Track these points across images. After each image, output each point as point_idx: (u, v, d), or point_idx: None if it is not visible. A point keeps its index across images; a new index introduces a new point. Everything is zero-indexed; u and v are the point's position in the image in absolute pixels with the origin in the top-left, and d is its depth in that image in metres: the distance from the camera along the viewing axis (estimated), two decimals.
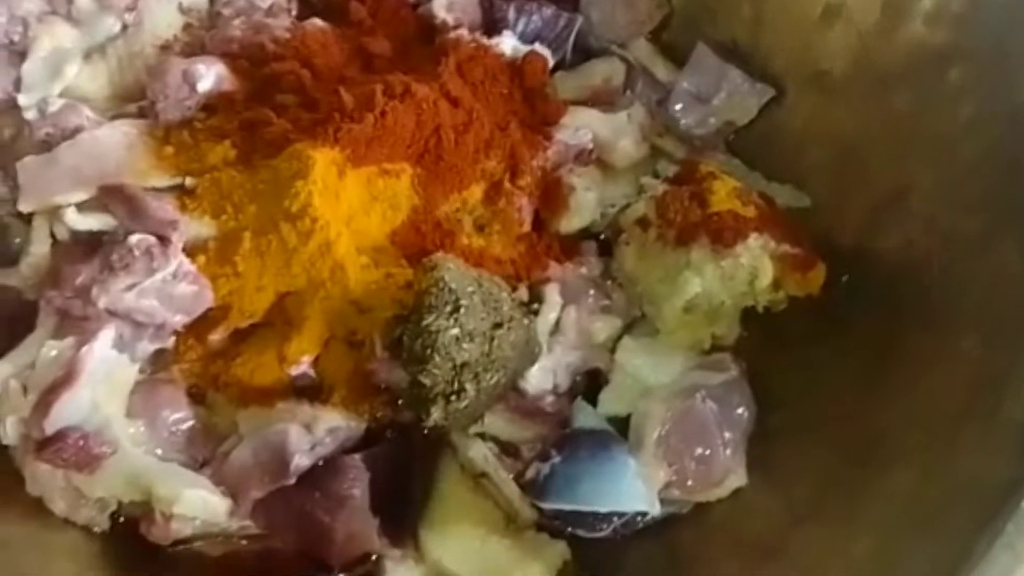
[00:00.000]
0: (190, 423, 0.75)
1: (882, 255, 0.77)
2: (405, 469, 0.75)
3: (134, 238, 0.73)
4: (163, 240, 0.73)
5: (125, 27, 0.85)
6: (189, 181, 0.77)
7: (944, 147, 0.74)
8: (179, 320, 0.74)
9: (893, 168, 0.78)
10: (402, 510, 0.74)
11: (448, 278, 0.70)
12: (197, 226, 0.75)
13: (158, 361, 0.76)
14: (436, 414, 0.69)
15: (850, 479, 0.69)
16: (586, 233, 0.84)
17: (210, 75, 0.80)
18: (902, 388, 0.71)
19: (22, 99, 0.80)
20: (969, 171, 0.73)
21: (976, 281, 0.70)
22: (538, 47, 0.87)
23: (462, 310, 0.69)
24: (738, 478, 0.73)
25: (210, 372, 0.76)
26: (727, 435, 0.74)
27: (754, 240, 0.74)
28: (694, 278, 0.75)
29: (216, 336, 0.75)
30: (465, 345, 0.69)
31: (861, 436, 0.71)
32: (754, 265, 0.75)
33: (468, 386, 0.69)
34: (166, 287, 0.73)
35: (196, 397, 0.77)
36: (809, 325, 0.79)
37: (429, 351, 0.68)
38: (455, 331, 0.68)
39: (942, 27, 0.75)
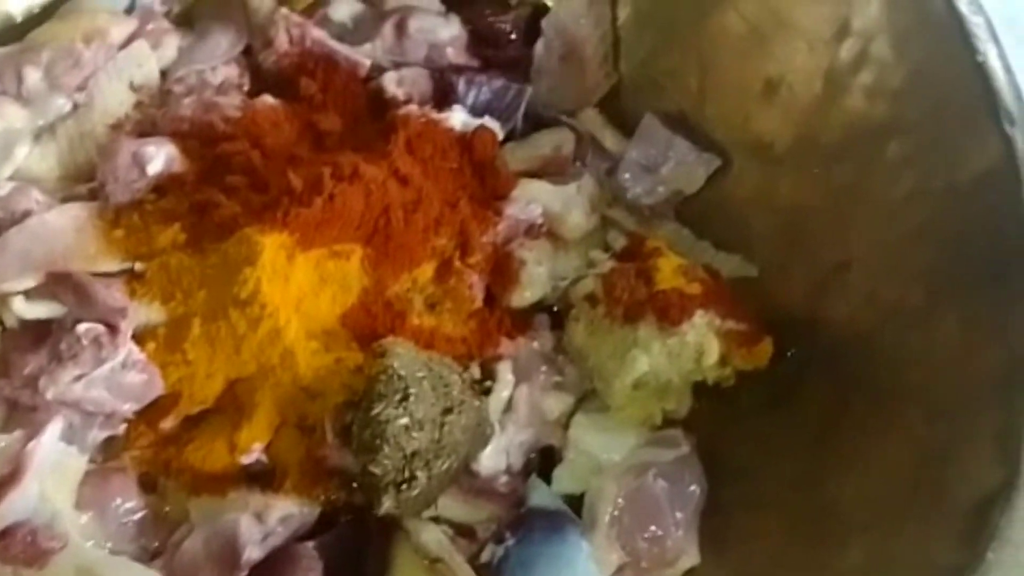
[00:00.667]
0: (141, 512, 0.74)
1: (828, 326, 0.78)
2: (359, 554, 0.74)
3: (82, 327, 0.72)
4: (112, 328, 0.73)
5: (76, 106, 0.84)
6: (138, 265, 0.76)
7: (884, 220, 0.76)
8: (129, 408, 0.74)
9: (835, 240, 0.79)
10: None
11: (397, 365, 0.70)
12: (147, 312, 0.75)
13: (108, 449, 0.76)
14: (388, 503, 0.69)
15: (802, 558, 0.69)
16: (538, 306, 0.84)
17: (160, 156, 0.80)
18: (851, 462, 0.71)
19: None
20: (909, 244, 0.74)
21: (919, 355, 0.71)
22: (488, 120, 0.87)
23: (411, 398, 0.69)
24: (690, 558, 0.74)
25: (161, 459, 0.75)
26: (678, 515, 0.74)
27: (699, 318, 0.75)
28: (641, 356, 0.75)
29: (167, 424, 0.75)
30: (415, 434, 0.69)
31: (812, 511, 0.71)
32: (700, 342, 0.75)
33: (419, 474, 0.69)
34: (115, 376, 0.72)
35: (147, 485, 0.76)
36: (760, 396, 0.79)
37: (378, 441, 0.68)
38: (404, 420, 0.68)
39: (881, 101, 0.76)
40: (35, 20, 0.88)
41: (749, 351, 0.76)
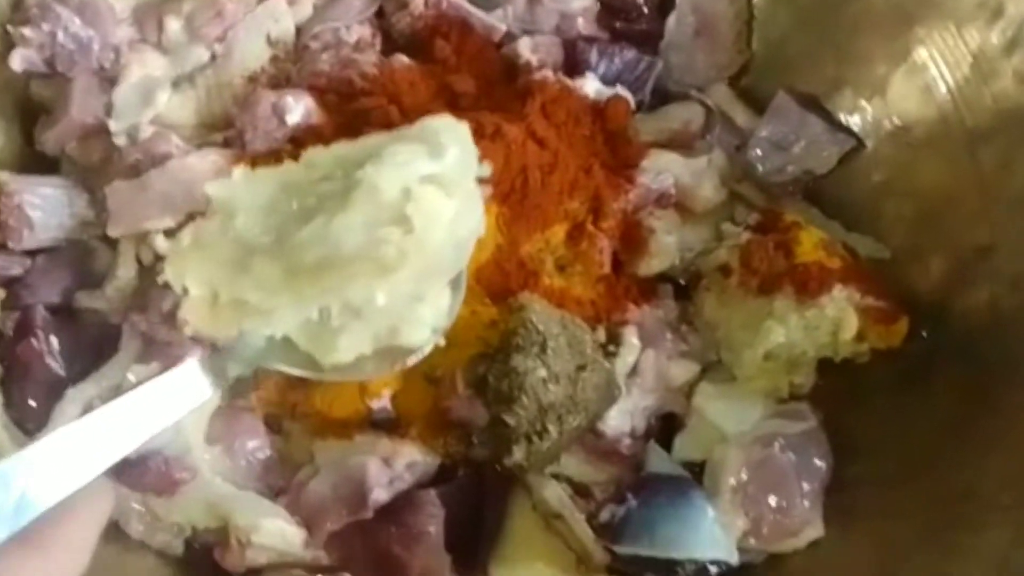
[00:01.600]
0: (267, 452, 0.76)
1: (966, 311, 0.77)
2: (478, 507, 0.75)
3: None
4: None
5: (214, 57, 0.85)
6: None
7: None
8: None
9: (977, 224, 0.78)
10: (474, 548, 0.74)
11: (535, 319, 0.70)
12: None
13: (237, 388, 0.77)
14: (518, 454, 0.69)
15: (937, 537, 0.68)
16: (663, 277, 0.84)
17: (299, 108, 0.81)
18: (991, 445, 0.70)
19: (113, 125, 0.81)
20: None
21: None
22: (620, 89, 0.87)
23: (549, 351, 0.69)
24: (815, 530, 0.73)
25: (288, 401, 0.77)
26: (805, 486, 0.73)
27: (839, 292, 0.74)
28: (777, 327, 0.75)
29: None
30: (551, 386, 0.69)
31: (949, 493, 0.70)
32: (838, 317, 0.74)
33: (551, 427, 0.70)
34: None
35: (273, 426, 0.77)
36: (886, 376, 0.78)
37: (516, 391, 0.68)
38: (542, 372, 0.69)
39: None
40: None
41: (886, 329, 0.75)
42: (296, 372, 0.65)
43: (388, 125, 0.79)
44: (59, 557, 0.49)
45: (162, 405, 0.58)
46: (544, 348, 0.69)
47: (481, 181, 0.65)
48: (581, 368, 0.71)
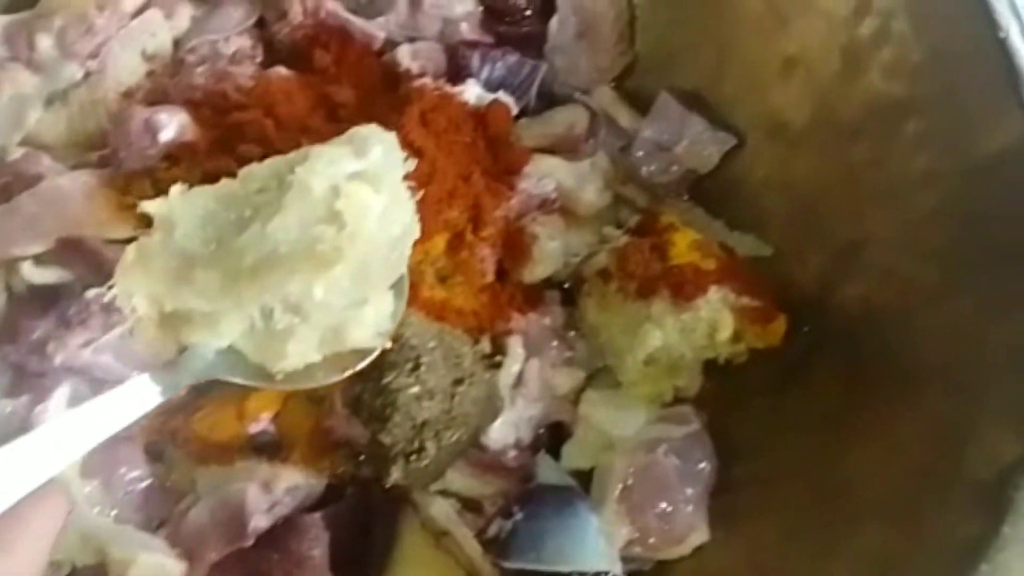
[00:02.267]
0: (147, 481, 0.74)
1: (843, 305, 0.78)
2: (365, 527, 0.74)
3: (92, 292, 0.72)
4: None
5: (88, 74, 0.84)
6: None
7: (901, 198, 0.75)
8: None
9: (851, 218, 0.79)
10: (364, 569, 0.73)
11: (409, 334, 0.70)
12: None
13: None
14: (396, 473, 0.69)
15: (816, 535, 0.68)
16: (549, 282, 0.84)
17: (172, 124, 0.79)
18: (867, 439, 0.70)
19: None
20: (925, 223, 0.73)
21: (934, 332, 0.70)
22: (502, 95, 0.87)
23: (423, 367, 0.69)
24: (700, 535, 0.73)
25: (169, 427, 0.75)
26: (689, 491, 0.73)
27: (714, 293, 0.75)
28: (655, 331, 0.75)
29: None
30: (425, 403, 0.68)
31: (826, 489, 0.71)
32: (714, 318, 0.75)
33: (429, 444, 0.69)
34: (124, 343, 0.72)
35: (154, 454, 0.76)
36: (772, 375, 0.79)
37: (389, 410, 0.68)
38: (415, 389, 0.68)
39: (900, 79, 0.75)
40: None
41: (763, 328, 0.76)
42: (248, 383, 0.65)
43: (264, 139, 0.79)
44: (21, 555, 0.50)
45: (109, 417, 0.59)
46: (418, 364, 0.69)
47: None
48: (459, 382, 0.71)
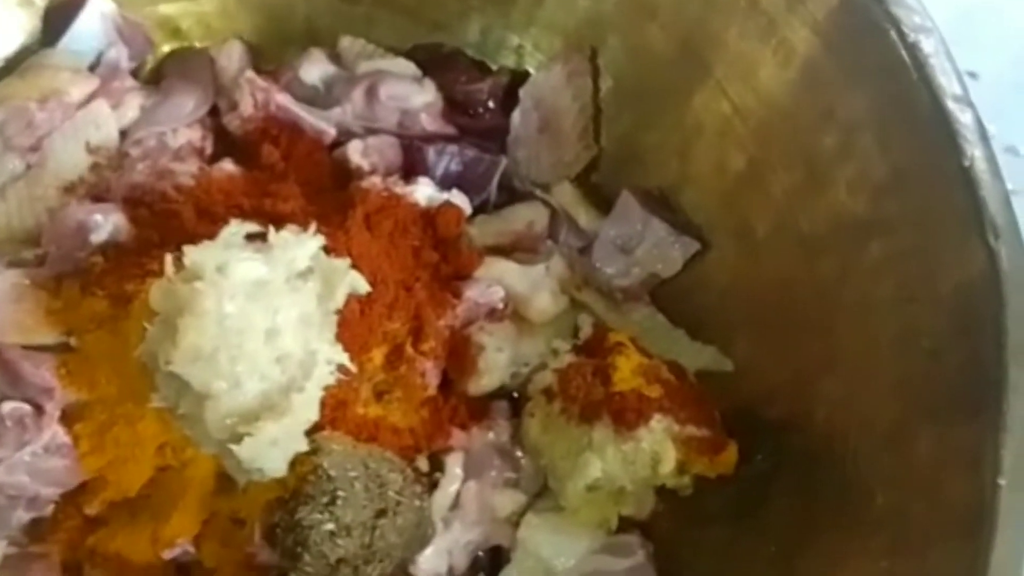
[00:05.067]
0: None
1: (802, 430, 0.73)
2: None
3: (7, 407, 0.70)
4: (38, 409, 0.70)
5: (28, 167, 0.82)
6: (74, 340, 0.73)
7: (866, 322, 0.70)
8: (52, 492, 0.71)
9: (817, 337, 0.74)
10: None
11: (327, 464, 0.66)
12: (76, 390, 0.72)
13: (34, 531, 0.72)
14: None
15: None
16: (498, 392, 0.80)
17: (107, 226, 0.77)
18: None
19: None
20: (889, 351, 0.68)
21: (890, 477, 0.65)
22: (456, 193, 0.83)
23: (339, 502, 0.65)
24: None
25: (87, 545, 0.72)
26: None
27: (657, 423, 0.70)
28: (595, 460, 0.71)
29: (91, 509, 0.71)
30: (340, 540, 0.65)
31: None
32: (656, 449, 0.71)
33: None
34: (37, 460, 0.69)
35: (71, 571, 0.73)
36: (723, 503, 0.75)
37: (299, 549, 0.65)
38: (330, 526, 0.65)
39: (863, 196, 0.71)
40: None
41: (711, 459, 0.71)
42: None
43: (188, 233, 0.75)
44: None
45: None
46: (334, 499, 0.65)
47: None
48: (381, 513, 0.67)
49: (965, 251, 0.63)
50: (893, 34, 0.67)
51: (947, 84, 0.65)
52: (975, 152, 0.64)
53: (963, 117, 0.65)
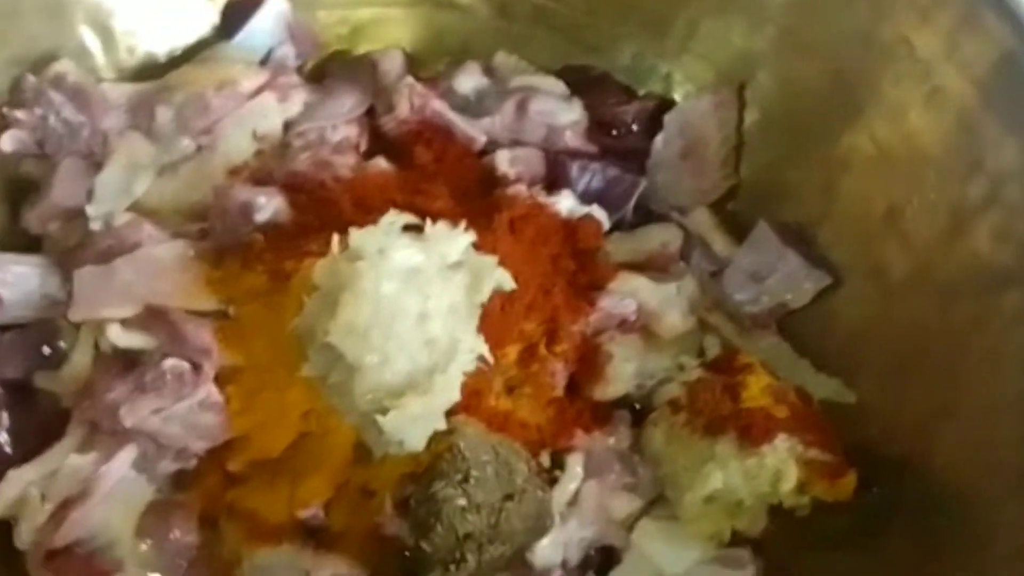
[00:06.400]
0: (195, 552, 0.75)
1: (923, 472, 0.74)
2: None
3: (168, 362, 0.74)
4: (196, 367, 0.74)
5: (199, 148, 0.87)
6: (232, 309, 0.78)
7: (995, 372, 0.71)
8: (200, 446, 0.75)
9: (945, 383, 0.74)
10: None
11: (463, 445, 0.69)
12: (231, 355, 0.76)
13: (177, 482, 0.77)
14: None
15: None
16: (620, 402, 0.82)
17: (269, 207, 0.81)
18: None
19: (90, 209, 0.82)
20: (1019, 404, 0.69)
21: (1013, 526, 0.66)
22: (596, 208, 0.86)
23: (471, 480, 0.68)
24: None
25: (225, 499, 0.76)
26: None
27: (781, 442, 0.72)
28: (717, 472, 0.73)
29: (233, 466, 0.75)
30: (470, 517, 0.68)
31: None
32: (779, 467, 0.72)
33: (470, 556, 0.68)
34: (191, 414, 0.74)
35: (208, 523, 0.77)
36: (840, 527, 0.75)
37: (432, 519, 0.68)
38: (462, 501, 0.68)
39: (1005, 247, 0.72)
40: (176, 62, 0.92)
41: (831, 483, 0.72)
42: None
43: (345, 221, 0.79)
44: None
45: None
46: (467, 477, 0.68)
47: None
48: (508, 498, 0.70)
49: None
50: None
51: None
52: None
53: None
